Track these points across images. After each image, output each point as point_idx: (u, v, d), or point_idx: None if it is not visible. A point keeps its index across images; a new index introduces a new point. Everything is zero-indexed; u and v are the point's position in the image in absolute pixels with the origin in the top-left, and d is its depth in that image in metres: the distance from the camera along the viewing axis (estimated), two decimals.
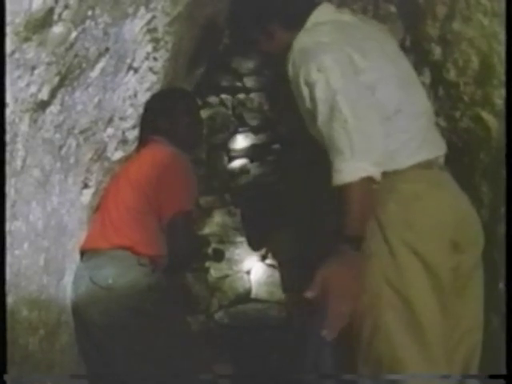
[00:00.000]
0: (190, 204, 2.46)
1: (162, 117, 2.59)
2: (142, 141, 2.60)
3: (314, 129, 1.91)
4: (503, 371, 1.67)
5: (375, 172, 1.73)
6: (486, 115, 2.11)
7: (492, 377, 1.83)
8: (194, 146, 2.73)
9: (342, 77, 1.81)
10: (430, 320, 1.76)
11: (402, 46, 2.37)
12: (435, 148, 1.98)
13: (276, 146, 3.70)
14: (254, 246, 3.59)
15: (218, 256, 3.21)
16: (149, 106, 2.61)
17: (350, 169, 1.71)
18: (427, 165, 1.91)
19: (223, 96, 3.81)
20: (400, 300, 1.76)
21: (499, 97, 2.00)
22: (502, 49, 1.91)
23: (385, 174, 1.78)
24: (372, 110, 1.80)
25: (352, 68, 1.85)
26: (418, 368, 1.73)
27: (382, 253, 1.78)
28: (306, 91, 1.86)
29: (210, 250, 3.19)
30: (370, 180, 1.73)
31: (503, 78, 1.92)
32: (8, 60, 1.44)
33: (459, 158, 2.24)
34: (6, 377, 1.43)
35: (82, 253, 2.35)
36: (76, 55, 1.79)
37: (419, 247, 1.78)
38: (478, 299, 1.94)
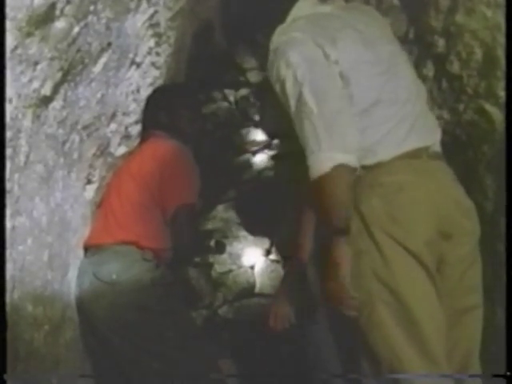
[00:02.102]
0: (194, 197, 2.46)
1: (162, 111, 2.59)
2: (144, 136, 2.60)
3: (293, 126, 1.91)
4: (503, 370, 1.67)
5: (347, 159, 1.71)
6: (489, 107, 2.10)
7: (493, 376, 1.82)
8: (195, 139, 2.73)
9: (308, 70, 1.80)
10: (423, 312, 1.75)
11: (405, 39, 2.36)
12: (425, 136, 1.92)
13: (279, 141, 3.69)
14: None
15: (220, 248, 3.22)
16: (149, 101, 2.61)
17: (318, 161, 1.71)
18: (415, 154, 1.86)
19: (226, 91, 3.80)
20: (391, 295, 1.75)
21: (503, 89, 2.00)
22: (505, 40, 1.90)
23: (367, 168, 1.77)
24: (344, 101, 1.79)
25: (322, 59, 1.83)
26: (416, 362, 1.73)
27: (369, 249, 1.76)
28: (278, 89, 1.87)
29: (211, 243, 3.20)
30: (344, 168, 1.71)
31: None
32: (10, 56, 1.44)
33: (463, 151, 2.23)
34: (5, 376, 1.43)
35: (86, 248, 2.35)
36: (78, 50, 1.78)
37: (405, 240, 1.75)
38: (477, 289, 1.91)
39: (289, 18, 2.02)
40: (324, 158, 1.70)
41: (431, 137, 1.94)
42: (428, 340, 1.74)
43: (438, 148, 1.95)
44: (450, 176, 1.93)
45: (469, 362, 1.88)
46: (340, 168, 1.70)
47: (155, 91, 2.64)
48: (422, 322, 1.74)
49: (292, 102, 1.80)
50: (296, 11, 2.03)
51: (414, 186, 1.82)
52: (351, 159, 1.72)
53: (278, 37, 1.96)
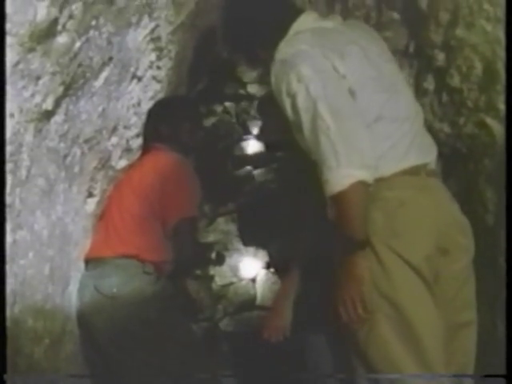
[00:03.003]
0: (194, 210, 2.46)
1: (163, 124, 2.59)
2: (145, 148, 2.60)
3: (301, 140, 1.90)
4: (503, 371, 1.67)
5: (364, 175, 1.72)
6: (490, 121, 2.10)
7: (492, 376, 1.82)
8: (195, 151, 2.73)
9: (321, 84, 1.80)
10: (424, 326, 1.75)
11: (406, 53, 2.37)
12: (423, 154, 1.94)
13: (280, 154, 3.69)
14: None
15: (220, 260, 3.22)
16: (150, 113, 2.61)
17: (337, 177, 1.71)
18: (414, 171, 1.88)
19: (227, 104, 3.81)
20: (392, 307, 1.75)
21: (503, 102, 2.00)
22: (505, 54, 1.91)
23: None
24: (355, 115, 1.79)
25: (333, 73, 1.84)
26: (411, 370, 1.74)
27: (371, 261, 1.76)
28: (288, 103, 1.85)
29: (212, 255, 3.20)
30: (362, 184, 1.72)
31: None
32: (12, 70, 1.45)
33: (464, 164, 2.23)
34: (5, 377, 1.43)
35: (87, 261, 2.35)
36: (80, 65, 1.79)
37: (406, 254, 1.76)
38: (472, 305, 1.93)
39: (291, 31, 2.02)
40: (343, 175, 1.70)
41: (428, 155, 1.97)
42: (428, 353, 1.75)
43: (434, 166, 1.99)
44: (446, 193, 1.96)
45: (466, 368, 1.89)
46: (358, 185, 1.70)
47: (156, 104, 2.65)
48: (422, 335, 1.74)
49: (305, 117, 1.79)
50: (298, 25, 2.03)
51: (415, 201, 1.84)
52: (368, 176, 1.73)
53: (285, 48, 1.96)
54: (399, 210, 1.79)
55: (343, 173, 1.70)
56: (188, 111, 2.75)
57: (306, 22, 2.06)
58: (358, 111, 1.81)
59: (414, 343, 1.74)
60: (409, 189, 1.85)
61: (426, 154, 1.96)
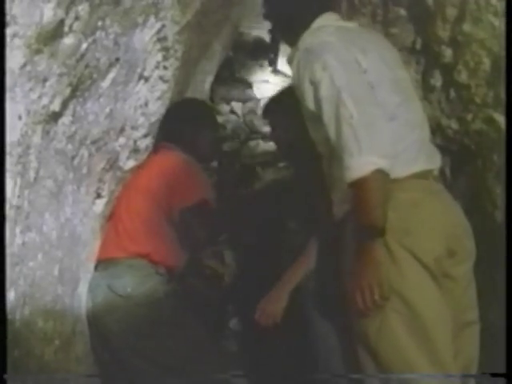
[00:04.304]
0: (199, 196, 2.46)
1: (186, 127, 2.62)
2: (156, 146, 2.61)
3: (317, 131, 1.95)
4: (503, 370, 1.67)
5: (385, 164, 1.75)
6: (498, 117, 2.09)
7: (492, 375, 1.82)
8: (208, 160, 2.73)
9: (345, 74, 1.84)
10: (435, 322, 1.78)
11: (413, 49, 2.37)
12: (431, 160, 2.00)
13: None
14: None
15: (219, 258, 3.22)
16: (174, 111, 2.64)
17: (358, 164, 1.74)
18: (423, 175, 1.93)
19: (234, 104, 3.81)
20: (404, 304, 1.77)
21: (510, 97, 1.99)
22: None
23: None
24: (376, 106, 1.83)
25: (356, 66, 1.89)
26: (426, 371, 1.74)
27: (384, 258, 1.78)
28: (310, 91, 1.89)
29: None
30: (382, 172, 1.75)
31: None
32: (19, 72, 1.45)
33: (472, 160, 2.22)
34: (6, 376, 1.43)
35: (97, 262, 2.36)
36: (87, 66, 1.79)
37: (419, 252, 1.79)
38: (475, 306, 1.97)
39: (314, 25, 2.08)
40: (365, 162, 1.74)
41: (435, 163, 2.03)
42: (438, 350, 1.77)
43: (436, 174, 2.09)
44: (451, 198, 2.01)
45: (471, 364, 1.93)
46: (379, 172, 1.74)
47: (177, 104, 2.68)
48: (433, 332, 1.77)
49: (327, 105, 1.83)
50: (322, 20, 2.09)
51: (426, 203, 1.88)
52: (388, 165, 1.76)
53: (309, 39, 2.01)
54: (412, 210, 1.83)
55: (365, 160, 1.73)
56: (212, 120, 2.80)
57: (329, 19, 2.12)
58: (378, 103, 1.85)
59: (425, 340, 1.76)
60: (420, 191, 1.89)
61: (433, 161, 2.02)
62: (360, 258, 1.78)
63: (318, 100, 1.87)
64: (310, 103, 1.91)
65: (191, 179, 2.46)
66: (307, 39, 2.01)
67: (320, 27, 2.06)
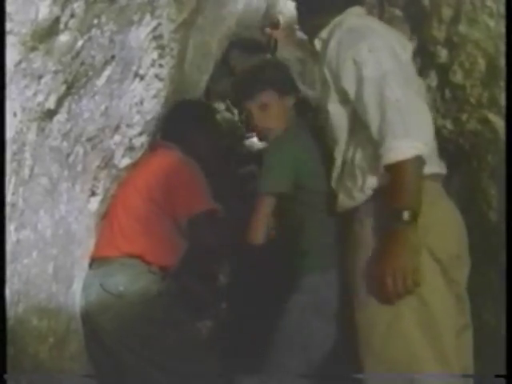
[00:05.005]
0: (206, 204, 2.46)
1: (190, 129, 2.65)
2: (153, 144, 2.61)
3: (338, 112, 1.99)
4: (503, 371, 1.67)
5: (426, 152, 1.77)
6: (492, 117, 2.10)
7: (492, 376, 1.83)
8: (208, 161, 2.74)
9: (391, 59, 1.87)
10: (445, 322, 1.79)
11: None
12: (441, 165, 2.03)
13: None
14: None
15: None
16: (178, 111, 2.68)
17: (403, 147, 1.75)
18: (435, 178, 1.95)
19: (229, 102, 3.81)
20: (419, 301, 1.77)
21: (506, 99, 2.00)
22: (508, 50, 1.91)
23: None
24: (418, 96, 1.88)
25: (398, 54, 1.92)
26: (434, 367, 1.74)
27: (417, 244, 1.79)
28: (351, 69, 1.90)
29: None
30: (420, 160, 1.76)
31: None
32: (15, 70, 1.45)
33: (467, 161, 2.23)
34: (6, 376, 1.43)
35: (92, 260, 2.35)
36: (82, 63, 1.79)
37: (437, 251, 1.81)
38: (468, 310, 1.97)
39: (347, 12, 2.11)
40: (410, 145, 1.75)
41: (443, 167, 2.05)
42: (447, 350, 1.77)
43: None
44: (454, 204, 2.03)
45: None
46: (419, 159, 1.76)
47: (181, 105, 2.72)
48: (443, 331, 1.78)
49: (370, 87, 1.84)
50: (353, 10, 2.12)
51: (442, 203, 1.93)
52: (427, 154, 1.79)
53: (352, 19, 2.05)
54: (430, 207, 1.82)
55: (409, 143, 1.75)
56: (209, 121, 2.83)
57: (359, 10, 2.16)
58: (419, 92, 1.91)
59: (435, 338, 1.76)
60: (435, 191, 1.92)
61: (441, 165, 2.05)
62: (392, 242, 1.76)
63: (359, 79, 1.87)
64: (347, 81, 1.92)
65: (196, 186, 2.46)
66: (351, 19, 2.04)
67: (358, 14, 2.12)
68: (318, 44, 2.12)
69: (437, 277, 1.81)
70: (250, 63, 2.32)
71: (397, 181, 1.77)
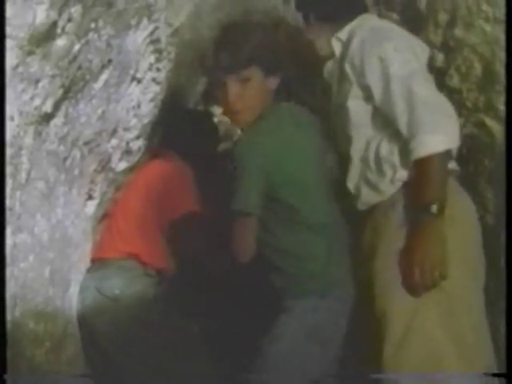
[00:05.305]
0: (193, 205, 2.48)
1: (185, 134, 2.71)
2: (153, 150, 2.63)
3: (366, 104, 2.02)
4: (503, 370, 1.67)
5: (454, 147, 1.84)
6: (489, 121, 2.11)
7: (493, 375, 1.83)
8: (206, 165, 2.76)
9: (416, 59, 1.94)
10: (469, 321, 1.80)
11: None
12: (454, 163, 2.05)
13: None
14: None
15: None
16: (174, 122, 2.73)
17: (435, 141, 1.79)
18: (453, 174, 2.01)
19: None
20: (444, 294, 1.79)
21: (502, 103, 2.00)
22: (504, 55, 1.92)
23: None
24: (441, 95, 1.92)
25: (418, 57, 1.98)
26: (455, 363, 1.74)
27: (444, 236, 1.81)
28: (377, 67, 1.94)
29: None
30: (449, 155, 1.84)
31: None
32: (12, 74, 1.45)
33: (464, 165, 2.23)
34: (5, 376, 1.43)
35: (92, 262, 2.35)
36: (79, 67, 1.79)
37: (461, 241, 1.83)
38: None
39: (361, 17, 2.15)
40: (441, 140, 1.80)
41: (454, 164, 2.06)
42: (469, 347, 1.77)
43: None
44: None
45: None
46: (448, 153, 1.83)
47: (184, 113, 2.87)
48: (466, 327, 1.79)
49: (397, 84, 1.89)
50: (367, 15, 2.18)
51: (462, 197, 1.98)
52: (454, 150, 1.86)
53: (373, 21, 2.11)
54: (453, 197, 1.87)
55: (440, 138, 1.80)
56: (209, 130, 2.92)
57: (374, 16, 2.23)
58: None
59: (457, 334, 1.77)
60: (455, 186, 1.98)
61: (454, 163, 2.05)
62: (421, 234, 1.79)
63: (385, 76, 1.91)
64: (372, 78, 1.95)
65: (181, 191, 2.47)
66: (370, 21, 2.11)
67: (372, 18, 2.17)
68: (336, 44, 2.15)
69: (461, 270, 1.82)
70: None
71: (426, 174, 1.81)
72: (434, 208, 1.77)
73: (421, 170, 1.82)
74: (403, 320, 1.80)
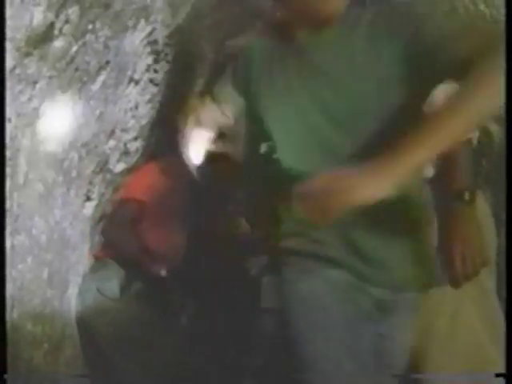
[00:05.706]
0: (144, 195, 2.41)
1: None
2: (151, 155, 2.63)
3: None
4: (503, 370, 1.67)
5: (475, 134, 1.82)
6: (487, 122, 2.11)
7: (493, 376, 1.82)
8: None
9: None
10: (497, 307, 1.80)
11: None
12: None
13: None
14: None
15: None
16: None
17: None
18: None
19: (224, 106, 3.79)
20: (480, 291, 1.78)
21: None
22: None
23: None
24: None
25: None
26: (497, 362, 1.72)
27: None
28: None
29: None
30: (470, 142, 1.80)
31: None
32: (9, 75, 1.44)
33: None
34: (6, 376, 1.43)
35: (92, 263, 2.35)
36: (77, 69, 1.79)
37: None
38: None
39: None
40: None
41: None
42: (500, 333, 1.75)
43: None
44: None
45: None
46: (467, 142, 1.78)
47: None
48: (501, 323, 1.74)
49: None
50: None
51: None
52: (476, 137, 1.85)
53: None
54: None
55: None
56: None
57: None
58: None
59: (495, 331, 1.74)
60: None
61: None
62: (457, 222, 1.75)
63: None
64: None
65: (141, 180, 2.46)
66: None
67: None
68: None
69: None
70: None
71: (456, 163, 1.79)
72: (467, 195, 1.76)
73: (450, 159, 1.82)
74: (445, 319, 1.79)
